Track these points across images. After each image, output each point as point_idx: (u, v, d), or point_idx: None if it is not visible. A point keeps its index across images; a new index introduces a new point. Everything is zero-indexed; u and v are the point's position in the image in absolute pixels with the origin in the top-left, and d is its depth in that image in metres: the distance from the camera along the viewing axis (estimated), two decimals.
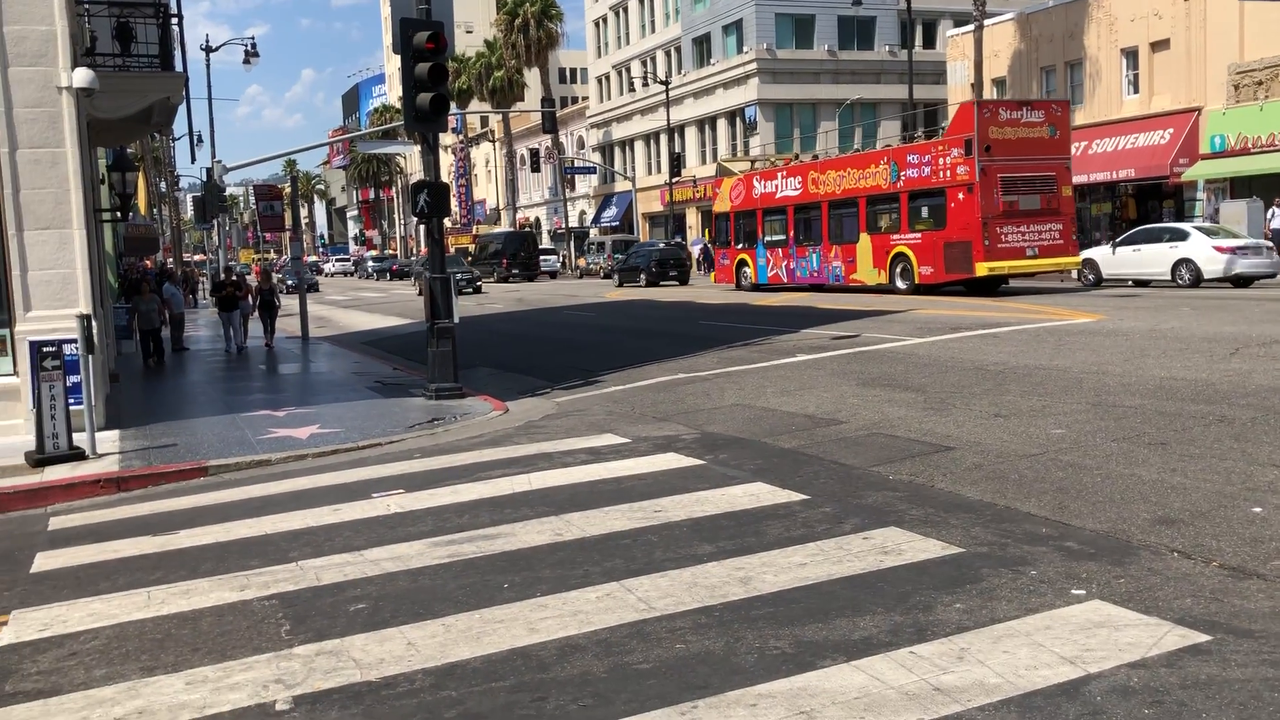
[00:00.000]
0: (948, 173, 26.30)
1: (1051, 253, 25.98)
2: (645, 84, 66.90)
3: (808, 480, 7.56)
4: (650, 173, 68.81)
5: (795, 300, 27.99)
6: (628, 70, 71.05)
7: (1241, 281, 24.43)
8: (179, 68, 16.76)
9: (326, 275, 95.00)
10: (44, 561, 6.87)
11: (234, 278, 24.98)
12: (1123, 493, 6.68)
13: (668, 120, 60.48)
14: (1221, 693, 3.82)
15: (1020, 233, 25.56)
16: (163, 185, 56.60)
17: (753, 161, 41.48)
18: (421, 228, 14.34)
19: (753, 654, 4.45)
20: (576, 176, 76.21)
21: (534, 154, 66.85)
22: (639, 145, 70.50)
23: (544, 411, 11.93)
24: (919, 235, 27.18)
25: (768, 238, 33.61)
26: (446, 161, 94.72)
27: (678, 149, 61.66)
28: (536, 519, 6.93)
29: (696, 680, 4.22)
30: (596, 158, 73.71)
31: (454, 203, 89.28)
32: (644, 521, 6.70)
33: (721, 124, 61.01)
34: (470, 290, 43.25)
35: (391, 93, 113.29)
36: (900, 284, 27.69)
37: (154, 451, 10.31)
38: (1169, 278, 25.21)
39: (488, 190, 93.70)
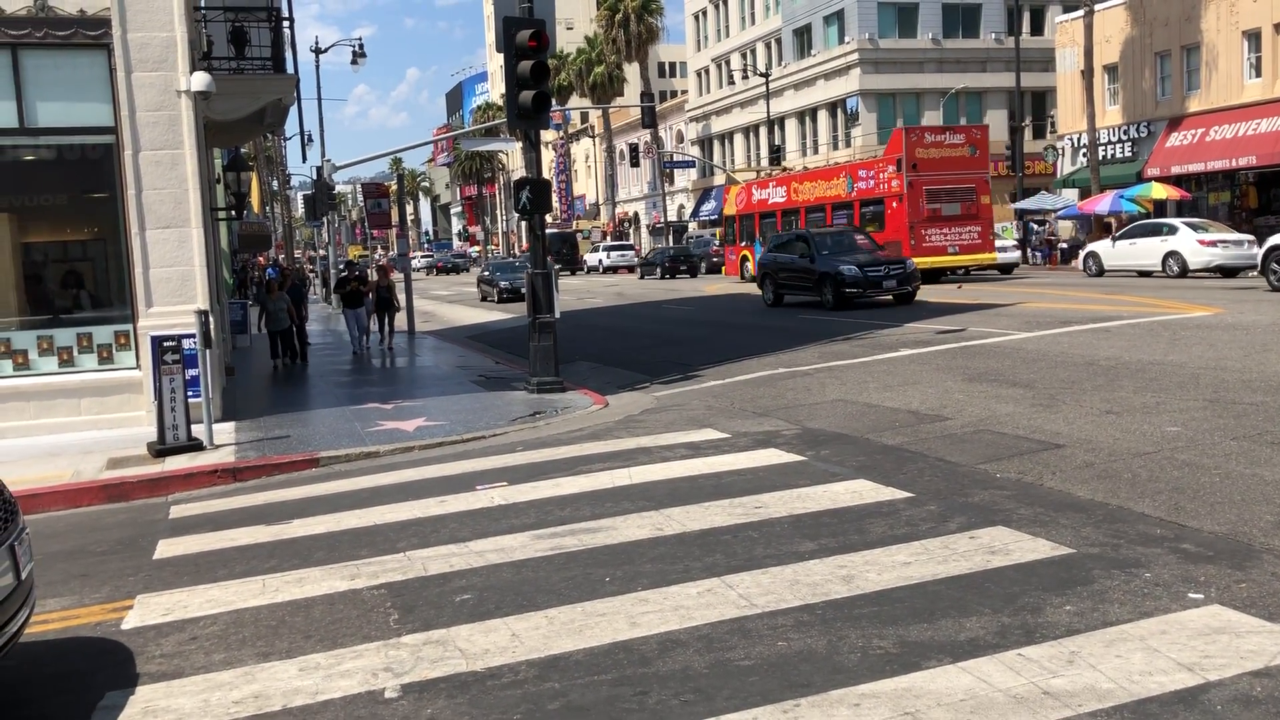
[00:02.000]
0: (885, 185, 32.60)
1: (970, 250, 32.07)
2: (745, 76, 66.57)
3: (912, 478, 7.45)
4: (750, 165, 68.44)
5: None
6: (727, 63, 70.78)
7: (1226, 272, 27.12)
8: (290, 70, 17.28)
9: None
10: (166, 548, 7.15)
11: (357, 273, 22.74)
12: (1243, 493, 6.44)
13: (768, 113, 60.10)
14: None
15: (943, 234, 31.55)
16: (275, 184, 58.29)
17: (757, 172, 49.37)
18: (523, 224, 14.50)
19: (855, 653, 4.42)
20: (675, 171, 76.25)
21: (633, 149, 67.05)
22: (738, 138, 70.19)
23: (643, 406, 11.97)
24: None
25: (763, 237, 36.98)
26: (547, 157, 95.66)
27: (778, 141, 61.21)
28: (637, 513, 6.97)
29: (799, 678, 4.20)
30: (695, 151, 73.61)
31: (554, 198, 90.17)
32: (744, 518, 6.69)
33: (823, 115, 60.38)
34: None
35: (494, 90, 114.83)
36: None
37: (268, 443, 10.64)
38: (1160, 268, 28.41)
39: (587, 185, 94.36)
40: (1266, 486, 6.56)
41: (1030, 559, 5.47)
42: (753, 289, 35.42)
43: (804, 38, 61.65)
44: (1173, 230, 28.45)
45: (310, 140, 50.68)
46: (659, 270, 49.79)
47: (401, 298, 23.16)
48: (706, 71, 74.21)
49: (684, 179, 77.79)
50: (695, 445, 9.28)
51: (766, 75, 60.13)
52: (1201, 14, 38.37)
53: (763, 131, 62.94)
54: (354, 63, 40.99)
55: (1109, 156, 42.12)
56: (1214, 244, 27.14)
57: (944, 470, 7.63)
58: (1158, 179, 38.18)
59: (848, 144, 57.79)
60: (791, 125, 63.07)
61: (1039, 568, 5.34)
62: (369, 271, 24.61)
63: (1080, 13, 40.81)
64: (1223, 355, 12.27)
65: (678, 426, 10.38)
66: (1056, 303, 21.20)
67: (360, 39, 41.23)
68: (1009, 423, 9.19)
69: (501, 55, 13.21)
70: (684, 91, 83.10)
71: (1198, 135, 38.24)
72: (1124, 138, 42.20)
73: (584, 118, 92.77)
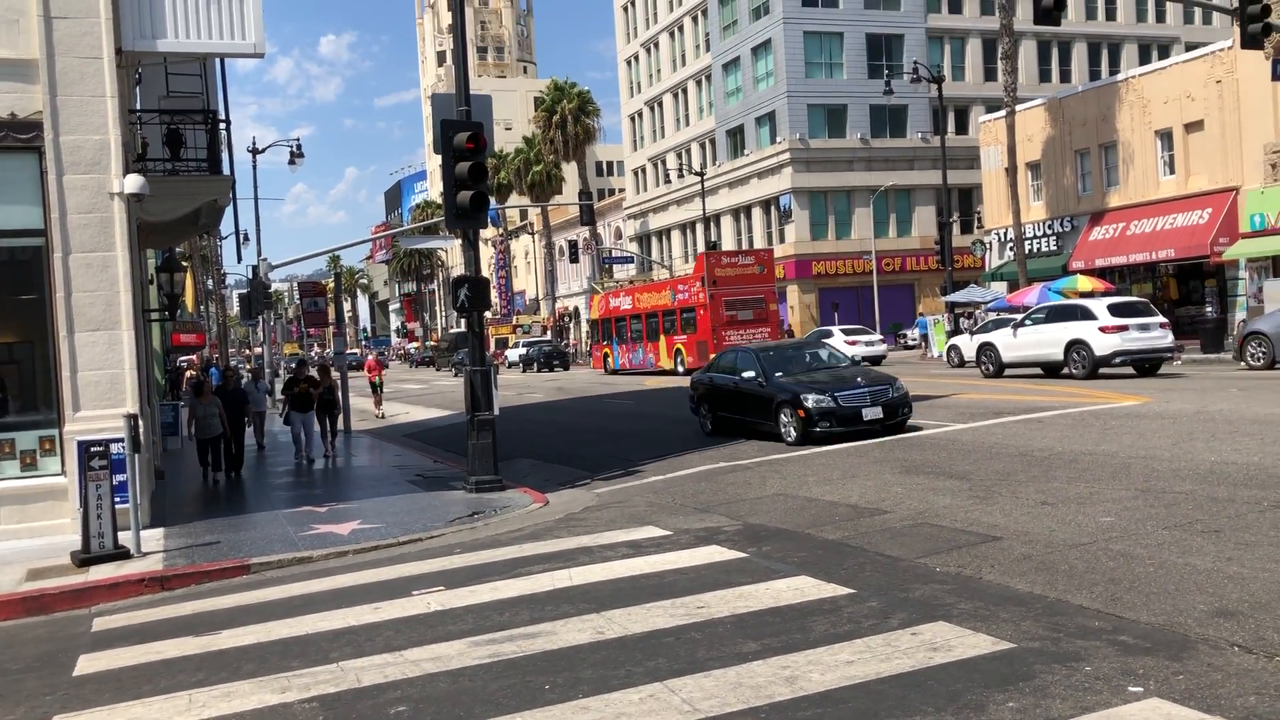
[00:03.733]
0: (695, 297, 40.47)
1: None
2: (681, 175, 67.91)
3: (853, 573, 7.44)
4: (687, 260, 69.37)
5: None
6: (663, 162, 72.22)
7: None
8: (226, 170, 17.24)
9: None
10: (87, 664, 6.87)
11: (310, 371, 19.73)
12: (1177, 583, 6.51)
13: (703, 210, 61.17)
14: None
15: (739, 334, 38.11)
16: (209, 283, 57.82)
17: (619, 283, 61.32)
18: (463, 321, 14.48)
19: None
20: (615, 265, 77.03)
21: (572, 245, 67.72)
22: (675, 234, 71.27)
23: (584, 503, 11.88)
24: (686, 337, 41.16)
25: (617, 337, 47.96)
26: (486, 254, 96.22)
27: (713, 238, 62.20)
28: (578, 616, 6.85)
29: None
30: (634, 247, 74.54)
31: (493, 294, 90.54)
32: (687, 618, 6.61)
33: (756, 212, 61.62)
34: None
35: (433, 189, 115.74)
36: (680, 369, 41.14)
37: (197, 549, 10.35)
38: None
39: (527, 281, 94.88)
40: (1199, 576, 6.65)
41: (972, 655, 5.46)
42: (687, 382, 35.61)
43: (737, 138, 63.18)
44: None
45: (246, 239, 50.40)
46: (535, 364, 59.09)
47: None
48: (643, 170, 75.62)
49: (623, 273, 78.62)
50: (637, 544, 9.20)
51: (701, 174, 61.38)
52: (1116, 114, 40.07)
53: (699, 228, 63.98)
54: (292, 162, 41.10)
55: (1035, 250, 43.39)
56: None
57: (885, 565, 7.64)
58: (1083, 272, 39.32)
59: (781, 239, 58.92)
60: (727, 222, 64.24)
61: (981, 664, 5.32)
62: (324, 368, 20.51)
63: (1003, 113, 42.38)
64: (1152, 445, 12.52)
65: (619, 524, 10.29)
66: (990, 394, 21.56)
67: (298, 139, 41.42)
68: (947, 515, 9.25)
69: (440, 155, 13.34)
70: (622, 189, 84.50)
71: (1119, 229, 39.62)
72: (1049, 232, 43.56)
73: (523, 215, 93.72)
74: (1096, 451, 12.32)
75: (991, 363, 27.41)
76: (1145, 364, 24.54)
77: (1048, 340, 25.48)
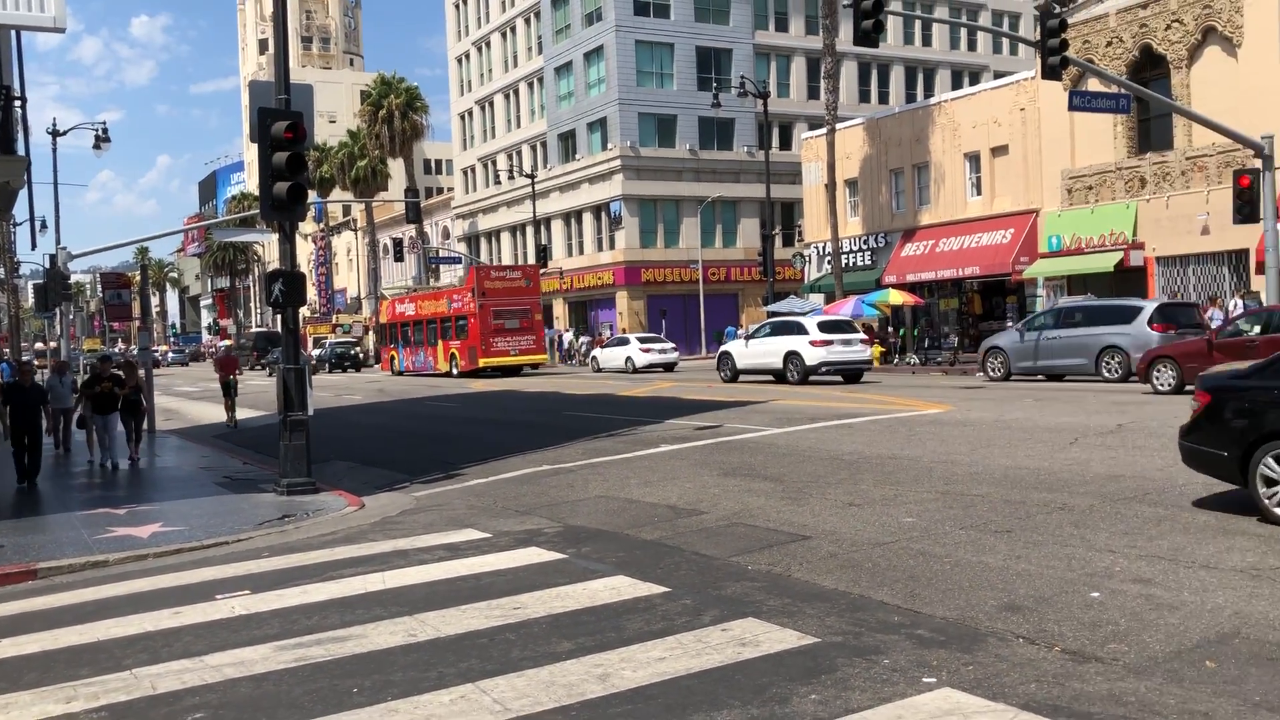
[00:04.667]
0: (467, 306, 43.73)
1: (527, 353, 43.97)
2: (511, 177, 67.60)
3: (669, 572, 7.54)
4: (517, 264, 69.11)
5: (660, 392, 28.27)
6: (493, 163, 71.73)
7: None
8: (20, 152, 16.17)
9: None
10: None
11: (115, 369, 17.88)
12: (971, 580, 6.87)
13: (534, 213, 61.04)
14: None
15: (506, 342, 43.26)
16: (2, 272, 54.13)
17: (408, 289, 64.33)
18: (277, 317, 14.01)
19: None
20: (442, 266, 76.02)
21: (397, 243, 66.40)
22: (505, 236, 70.85)
23: (402, 507, 11.65)
24: (459, 342, 44.33)
25: (402, 341, 50.55)
26: (306, 250, 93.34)
27: (544, 241, 62.15)
28: (390, 619, 6.71)
29: None
30: (462, 248, 73.70)
31: (312, 291, 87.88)
32: (502, 620, 6.56)
33: (587, 217, 61.89)
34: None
35: (250, 180, 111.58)
36: (454, 371, 44.52)
37: None
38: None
39: (349, 279, 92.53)
40: (991, 573, 7.03)
41: (779, 649, 5.61)
42: (518, 385, 35.52)
43: (569, 142, 63.34)
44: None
45: (44, 227, 47.35)
46: (327, 365, 60.72)
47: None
48: (473, 170, 74.90)
49: (450, 275, 77.61)
50: (454, 546, 9.08)
51: (532, 176, 61.27)
52: (929, 136, 42.05)
53: (529, 231, 63.81)
54: (97, 146, 38.86)
55: (851, 264, 45.06)
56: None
57: (699, 564, 7.78)
58: (895, 286, 41.09)
59: (612, 245, 59.35)
60: (558, 225, 64.28)
61: (787, 658, 5.48)
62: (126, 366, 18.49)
63: (824, 130, 43.88)
64: (952, 450, 13.18)
65: (437, 527, 10.14)
66: (806, 400, 22.26)
67: (104, 123, 39.19)
68: (761, 515, 9.50)
69: (257, 145, 12.86)
70: (450, 189, 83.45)
71: (929, 246, 41.58)
72: (864, 247, 45.34)
73: (346, 210, 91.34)
74: (902, 456, 12.88)
75: (729, 369, 31.38)
76: (848, 373, 28.89)
77: (772, 351, 29.57)
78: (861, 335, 29.79)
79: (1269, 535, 7.64)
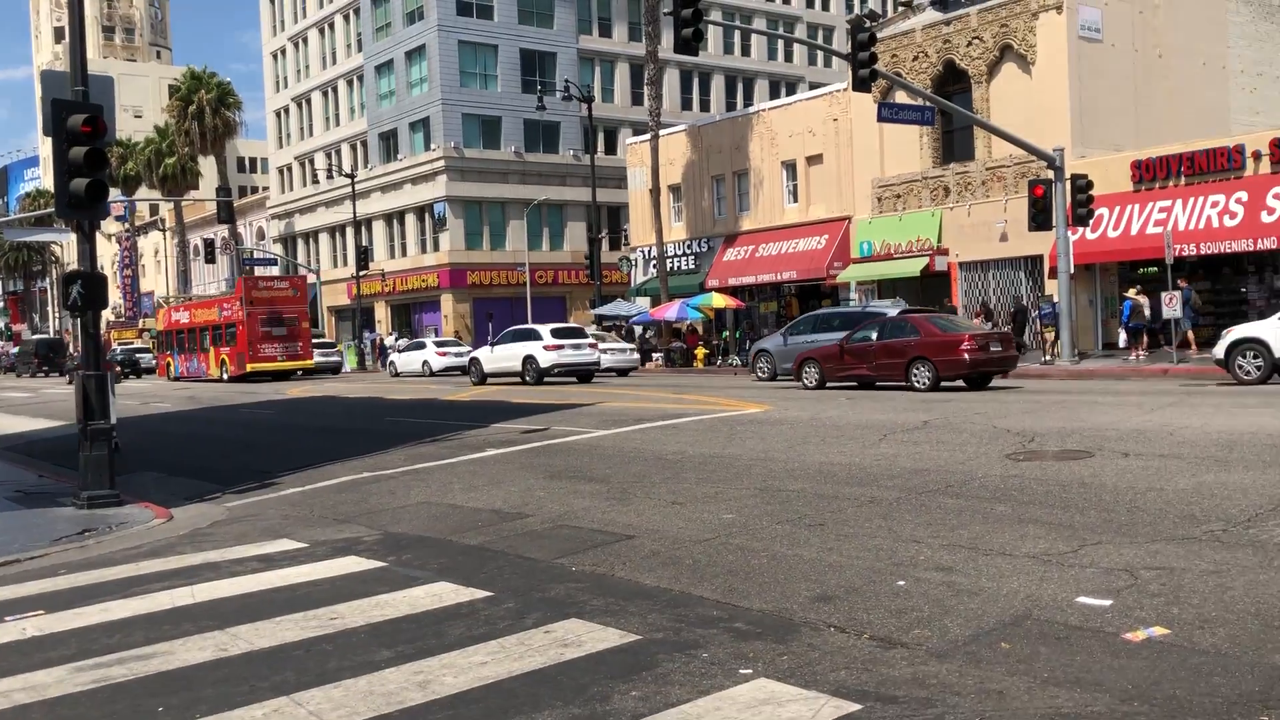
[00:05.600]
0: (236, 314, 46.68)
1: (294, 359, 46.97)
2: (330, 176, 65.83)
3: (492, 577, 7.50)
4: (336, 266, 67.33)
5: (486, 396, 28.08)
6: (311, 162, 69.73)
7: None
8: None
9: None
10: None
11: None
12: (786, 573, 7.09)
13: (354, 214, 59.61)
14: None
15: (273, 348, 46.23)
16: None
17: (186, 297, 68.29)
18: (76, 321, 13.25)
19: None
20: (256, 267, 73.42)
21: (209, 244, 63.75)
22: (324, 238, 68.95)
23: (213, 518, 11.18)
24: (229, 349, 47.16)
25: (177, 348, 53.22)
26: (110, 250, 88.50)
27: (365, 242, 60.79)
28: (199, 634, 6.43)
29: None
30: (278, 249, 71.30)
31: (116, 294, 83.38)
32: (319, 630, 6.38)
33: (410, 219, 60.88)
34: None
35: (46, 176, 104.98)
36: (224, 376, 47.21)
37: None
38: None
39: (156, 281, 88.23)
40: (805, 565, 7.27)
41: (601, 648, 5.66)
42: (339, 391, 34.62)
43: (390, 142, 62.16)
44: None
45: None
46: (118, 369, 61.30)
47: None
48: (289, 169, 72.59)
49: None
50: (269, 557, 8.77)
51: (352, 176, 59.83)
52: (749, 144, 43.17)
53: (349, 232, 62.29)
54: None
55: (676, 268, 45.82)
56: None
57: (523, 567, 7.76)
58: (717, 289, 42.01)
59: (436, 247, 58.56)
60: (379, 227, 62.99)
61: (609, 656, 5.53)
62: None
63: (648, 136, 44.50)
64: (771, 447, 13.57)
65: (250, 539, 9.78)
66: (632, 402, 22.51)
67: None
68: (585, 517, 9.55)
69: (52, 138, 12.11)
70: (266, 188, 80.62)
71: (750, 251, 42.68)
72: (688, 251, 46.17)
73: (154, 209, 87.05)
74: (723, 454, 13.18)
75: (478, 373, 34.55)
76: (580, 374, 32.48)
77: (513, 356, 32.84)
78: (590, 340, 33.51)
79: (1058, 523, 8.17)
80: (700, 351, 39.79)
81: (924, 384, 22.19)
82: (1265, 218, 28.44)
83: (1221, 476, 9.64)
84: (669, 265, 44.90)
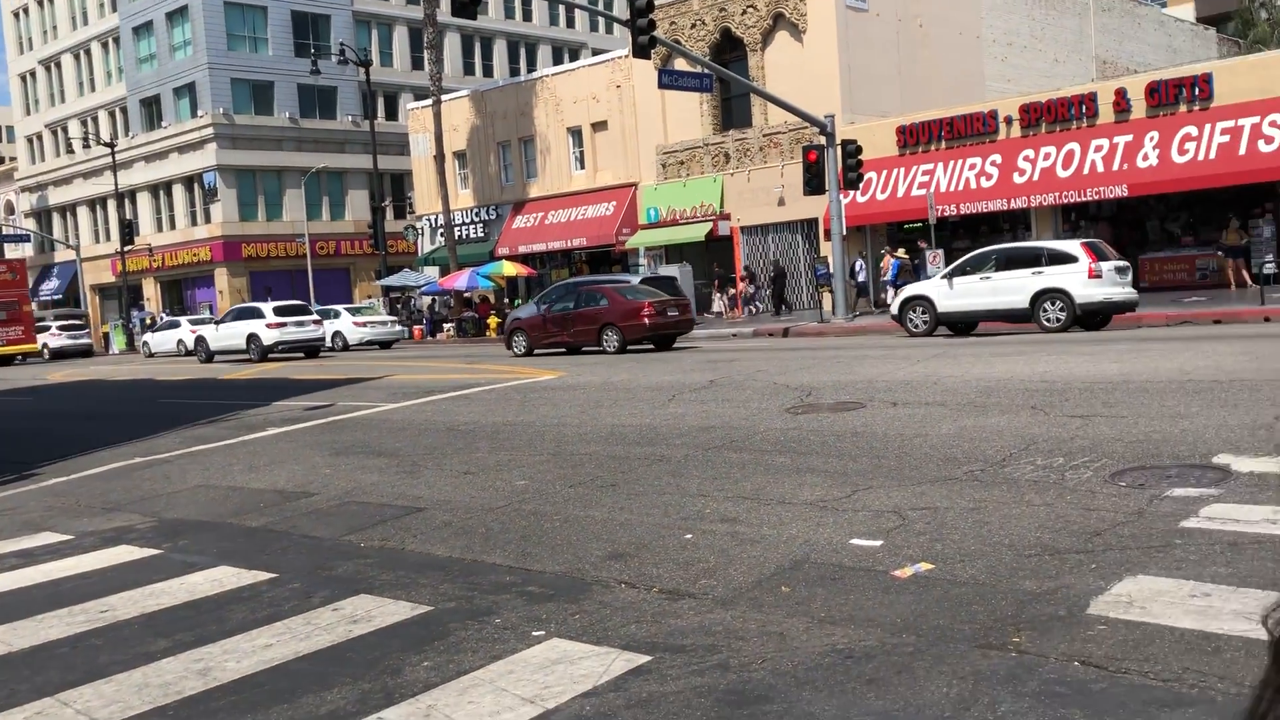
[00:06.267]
0: None
1: (16, 343, 46.57)
2: (86, 146, 61.46)
3: (276, 558, 7.25)
4: (99, 241, 63.12)
5: (267, 373, 27.03)
6: (65, 130, 64.88)
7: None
8: None
9: None
10: None
11: None
12: (578, 534, 7.17)
13: (115, 185, 55.92)
14: (660, 706, 4.21)
15: None
16: None
17: None
18: None
19: None
20: (5, 245, 67.87)
21: None
22: (83, 211, 64.45)
23: None
24: None
25: None
26: None
27: (129, 216, 57.16)
28: None
29: None
30: (31, 224, 66.16)
31: None
32: (87, 625, 6.02)
33: (178, 189, 57.64)
34: None
35: None
36: None
37: None
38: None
39: None
40: (596, 525, 7.38)
41: (391, 622, 5.58)
42: (108, 374, 32.58)
43: (153, 108, 58.57)
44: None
45: None
46: None
47: None
48: (40, 138, 67.36)
49: (17, 254, 69.50)
50: (29, 553, 8.19)
51: (112, 146, 56.04)
52: (534, 110, 42.96)
53: (111, 205, 58.42)
54: None
55: (465, 236, 45.25)
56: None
57: (309, 546, 7.55)
58: (508, 258, 41.77)
59: (207, 219, 55.75)
60: (145, 199, 59.38)
61: (400, 629, 5.46)
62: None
63: (430, 101, 43.58)
64: (564, 413, 13.65)
65: (7, 534, 9.09)
66: (424, 374, 22.16)
67: None
68: (374, 492, 9.36)
69: None
70: (13, 158, 74.54)
71: (539, 218, 42.59)
72: (476, 219, 45.66)
73: None
74: (516, 422, 13.18)
75: (204, 352, 35.85)
76: (306, 349, 33.86)
77: (238, 334, 33.96)
78: (315, 317, 34.77)
79: (833, 471, 8.58)
80: (493, 321, 39.48)
81: (613, 348, 24.51)
82: (1017, 178, 30.58)
83: (980, 421, 10.35)
84: (457, 234, 44.26)
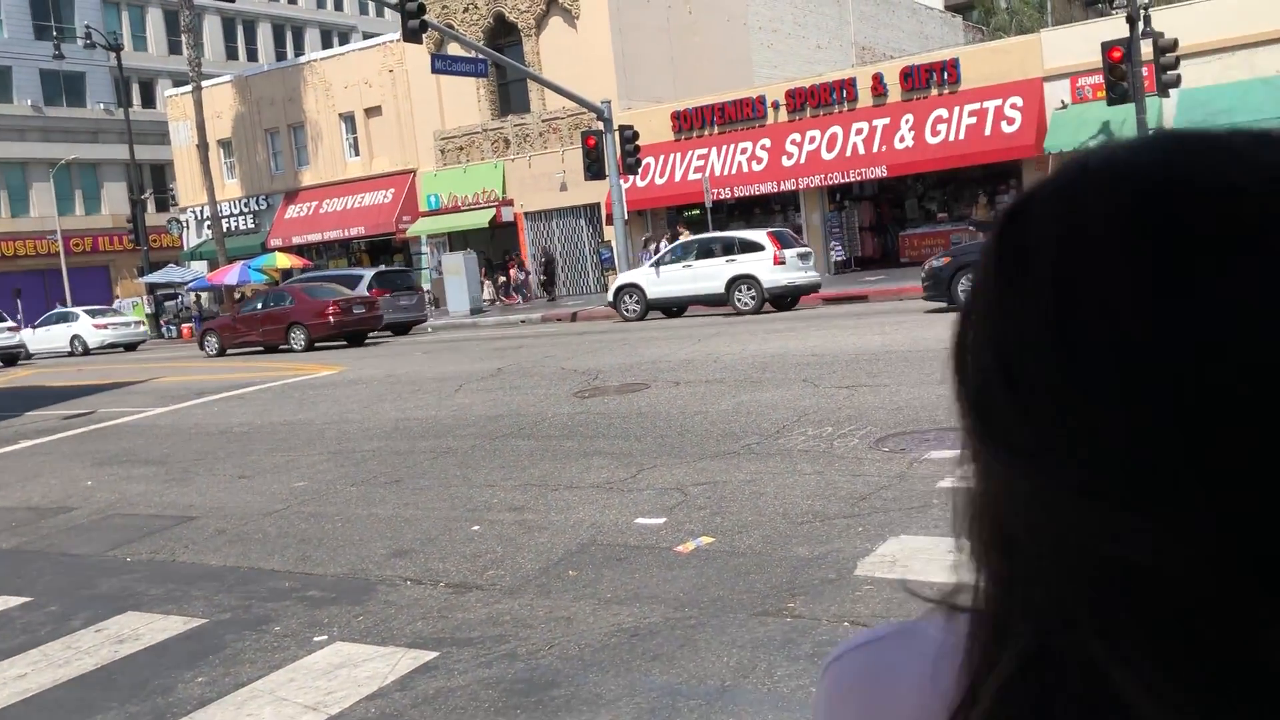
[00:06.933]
0: None
1: None
2: None
3: (30, 581, 6.75)
4: None
5: (17, 382, 25.07)
6: None
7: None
8: None
9: None
10: None
11: None
12: (361, 534, 7.01)
13: None
14: (447, 701, 4.18)
15: None
16: None
17: None
18: None
19: None
20: None
21: None
22: None
23: None
24: None
25: None
26: None
27: None
28: None
29: None
30: None
31: None
32: None
33: None
34: None
35: None
36: None
37: None
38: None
39: None
40: (380, 523, 7.23)
41: (162, 639, 5.31)
42: None
43: None
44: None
45: None
46: None
47: None
48: None
49: None
50: None
51: None
52: (303, 96, 41.43)
53: None
54: None
55: (233, 228, 43.24)
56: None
57: (68, 565, 7.07)
58: (281, 249, 40.18)
59: None
60: None
61: (171, 645, 5.20)
62: None
63: (189, 88, 41.30)
64: (346, 409, 13.28)
65: None
66: (192, 375, 21.07)
67: None
68: (141, 503, 8.85)
69: None
70: None
71: (313, 208, 41.17)
72: (245, 210, 43.71)
73: None
74: (295, 421, 12.72)
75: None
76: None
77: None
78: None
79: (619, 453, 8.71)
80: None
81: (300, 346, 25.00)
82: (785, 161, 31.74)
83: (756, 395, 10.73)
84: (225, 226, 42.17)
